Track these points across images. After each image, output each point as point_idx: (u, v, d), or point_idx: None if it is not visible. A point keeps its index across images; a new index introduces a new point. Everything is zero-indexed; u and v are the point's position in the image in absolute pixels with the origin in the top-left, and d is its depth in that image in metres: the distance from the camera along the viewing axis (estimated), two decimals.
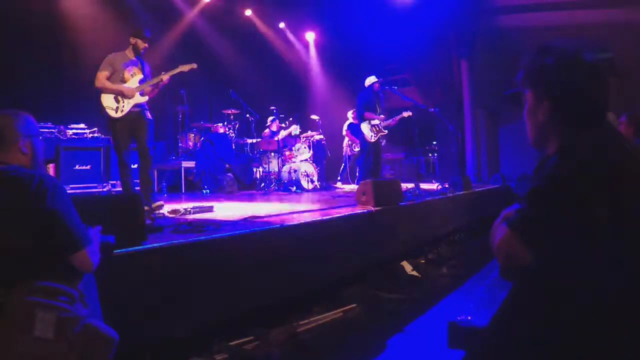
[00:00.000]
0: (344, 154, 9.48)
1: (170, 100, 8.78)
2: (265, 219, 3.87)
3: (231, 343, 2.58)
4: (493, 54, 9.63)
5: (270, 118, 8.55)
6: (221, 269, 2.81)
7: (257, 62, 10.88)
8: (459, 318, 1.73)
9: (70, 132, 6.76)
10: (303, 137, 8.64)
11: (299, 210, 4.79)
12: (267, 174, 7.81)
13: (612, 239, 1.09)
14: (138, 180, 4.59)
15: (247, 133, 9.04)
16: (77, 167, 6.40)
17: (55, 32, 6.98)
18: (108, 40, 5.39)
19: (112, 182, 6.66)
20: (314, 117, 9.18)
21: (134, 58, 4.66)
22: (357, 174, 8.96)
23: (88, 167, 6.50)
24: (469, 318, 1.71)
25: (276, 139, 8.11)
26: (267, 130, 8.49)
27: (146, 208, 3.77)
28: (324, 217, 3.85)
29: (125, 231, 2.35)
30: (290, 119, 8.86)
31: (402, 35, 10.91)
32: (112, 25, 7.28)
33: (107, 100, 4.48)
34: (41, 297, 1.51)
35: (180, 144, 8.49)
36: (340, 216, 3.97)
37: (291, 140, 8.65)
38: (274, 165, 7.90)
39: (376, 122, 7.26)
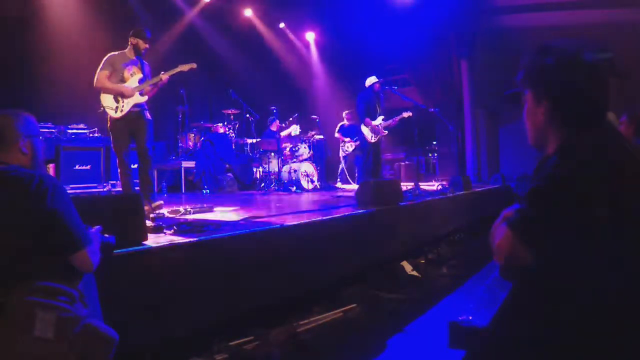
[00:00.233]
0: (340, 154, 9.51)
1: (170, 100, 8.78)
2: (265, 219, 3.87)
3: (231, 343, 2.58)
4: (493, 54, 9.63)
5: (270, 118, 8.55)
6: (221, 269, 2.81)
7: (257, 62, 10.89)
8: (459, 318, 1.73)
9: (70, 132, 6.76)
10: (303, 137, 8.65)
11: (299, 210, 4.79)
12: (267, 174, 7.82)
13: (612, 239, 1.09)
14: (138, 180, 4.59)
15: (247, 133, 9.04)
16: (77, 167, 6.40)
17: (55, 32, 6.98)
18: (108, 40, 5.39)
19: (112, 182, 6.66)
20: (314, 117, 9.18)
21: (134, 58, 4.66)
22: (357, 174, 8.98)
23: (88, 167, 6.50)
24: (469, 318, 1.71)
25: (284, 145, 8.10)
26: (266, 130, 8.49)
27: (146, 208, 3.77)
28: (324, 217, 3.85)
29: (125, 231, 2.35)
30: (290, 119, 8.86)
31: (402, 35, 10.91)
32: (112, 25, 7.27)
33: (107, 100, 4.48)
34: (41, 297, 1.51)
35: (180, 144, 8.49)
36: (340, 216, 3.97)
37: (291, 140, 8.65)
38: (274, 165, 7.91)
39: (377, 122, 7.26)
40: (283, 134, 8.52)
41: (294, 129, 8.64)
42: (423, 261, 4.60)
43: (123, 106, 4.47)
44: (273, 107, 8.62)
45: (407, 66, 11.88)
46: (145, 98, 4.60)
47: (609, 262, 1.10)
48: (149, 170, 4.49)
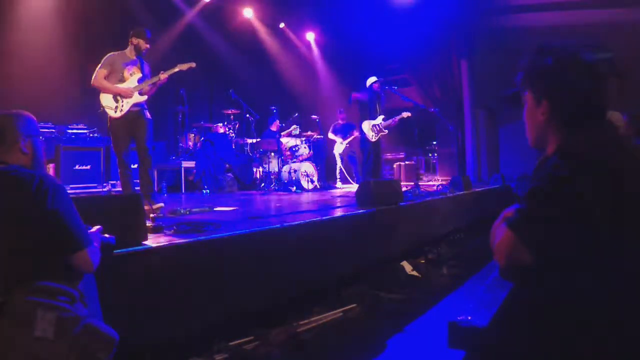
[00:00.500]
0: (335, 153, 9.53)
1: (170, 100, 8.78)
2: (265, 219, 3.87)
3: (231, 343, 2.58)
4: (493, 54, 9.62)
5: (270, 118, 8.55)
6: (221, 269, 2.81)
7: (257, 62, 10.89)
8: (459, 318, 1.72)
9: (70, 132, 6.76)
10: (303, 137, 8.66)
11: (299, 210, 4.79)
12: (267, 174, 7.82)
13: (612, 239, 1.09)
14: (138, 180, 4.59)
15: (247, 133, 9.04)
16: (77, 167, 6.41)
17: (55, 32, 6.98)
18: (108, 40, 5.39)
19: (112, 182, 6.67)
20: (314, 117, 9.19)
21: (134, 58, 4.66)
22: (354, 173, 9.00)
23: (88, 167, 6.50)
24: (469, 318, 1.71)
25: (284, 145, 8.09)
26: (266, 130, 8.49)
27: (146, 208, 3.77)
28: (324, 217, 3.85)
29: (125, 231, 2.35)
30: (290, 119, 8.87)
31: (402, 35, 10.91)
32: (112, 25, 7.27)
33: (106, 100, 4.48)
34: (42, 297, 1.51)
35: (180, 144, 8.50)
36: (340, 216, 3.98)
37: (291, 140, 8.65)
38: (274, 165, 7.91)
39: (378, 121, 7.26)
40: (283, 134, 8.51)
41: (294, 129, 8.64)
42: (423, 261, 4.59)
43: (123, 106, 4.47)
44: (273, 107, 8.63)
45: (407, 66, 11.88)
46: (145, 97, 4.60)
47: (609, 262, 1.10)
48: (149, 170, 4.49)
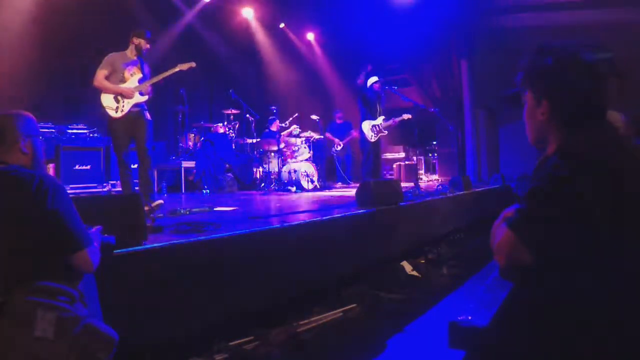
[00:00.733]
0: (332, 153, 9.55)
1: (170, 100, 8.78)
2: (265, 219, 3.87)
3: (231, 343, 2.58)
4: (493, 54, 9.63)
5: (270, 118, 8.55)
6: (221, 269, 2.81)
7: (258, 62, 10.90)
8: (459, 318, 1.72)
9: (70, 132, 6.76)
10: (303, 137, 8.66)
11: (299, 210, 4.79)
12: (267, 174, 7.81)
13: (612, 239, 1.09)
14: (138, 180, 4.60)
15: (247, 133, 9.04)
16: (77, 167, 6.40)
17: (55, 32, 6.97)
18: (108, 40, 5.39)
19: (112, 182, 6.67)
20: (313, 117, 9.19)
21: (134, 58, 4.67)
22: (347, 174, 9.03)
23: (88, 167, 6.50)
24: (469, 318, 1.71)
25: (282, 146, 8.09)
26: (266, 130, 8.49)
27: (146, 208, 3.77)
28: (324, 217, 3.85)
29: (125, 231, 2.35)
30: (290, 119, 8.87)
31: (402, 35, 10.90)
32: (112, 25, 7.27)
33: (107, 100, 4.49)
34: (41, 297, 1.51)
35: (180, 144, 8.49)
36: (340, 216, 3.97)
37: (291, 140, 8.65)
38: (274, 165, 7.90)
39: (378, 122, 7.26)
40: (283, 134, 8.51)
41: (294, 129, 8.64)
42: (423, 261, 4.59)
43: (123, 106, 4.48)
44: (273, 107, 8.63)
45: (407, 66, 11.88)
46: (146, 98, 4.61)
47: (609, 262, 1.10)
48: (148, 170, 4.50)
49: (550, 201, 1.13)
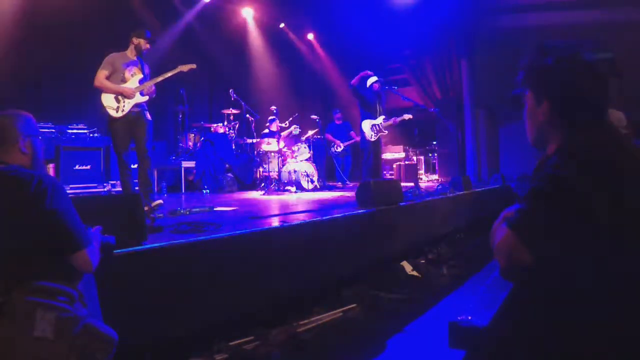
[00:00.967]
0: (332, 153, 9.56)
1: (170, 100, 8.78)
2: (265, 219, 3.87)
3: (231, 343, 2.58)
4: (493, 54, 9.63)
5: (270, 118, 8.56)
6: (221, 269, 2.81)
7: (258, 62, 10.89)
8: (459, 318, 1.73)
9: (70, 132, 6.76)
10: (303, 137, 8.67)
11: (299, 210, 4.79)
12: (267, 174, 7.81)
13: (612, 239, 1.09)
14: (137, 180, 4.60)
15: (247, 133, 9.04)
16: (77, 167, 6.40)
17: (55, 32, 6.98)
18: (108, 40, 5.39)
19: (112, 182, 6.67)
20: (314, 117, 9.19)
21: (134, 58, 4.67)
22: (345, 175, 9.03)
23: (88, 167, 6.50)
24: (469, 318, 1.71)
25: (281, 146, 8.10)
26: (266, 130, 8.49)
27: (146, 208, 3.77)
28: (324, 217, 3.85)
29: (125, 231, 2.35)
30: (290, 119, 8.88)
31: (402, 36, 10.91)
32: (112, 25, 7.27)
33: (108, 100, 4.49)
34: (41, 297, 1.51)
35: (180, 144, 8.49)
36: (340, 216, 3.97)
37: (291, 140, 8.65)
38: (274, 165, 7.90)
39: (378, 121, 7.27)
40: (283, 134, 8.51)
41: (294, 129, 8.64)
42: (423, 261, 4.59)
43: (124, 106, 4.48)
44: (273, 107, 8.63)
45: (407, 66, 11.89)
46: (146, 98, 4.61)
47: (609, 263, 1.10)
48: (148, 171, 4.50)
49: (550, 201, 1.13)
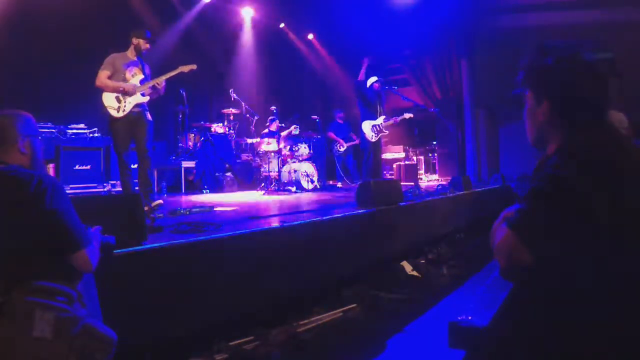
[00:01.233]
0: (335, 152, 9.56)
1: (170, 100, 8.77)
2: (265, 219, 3.87)
3: (231, 343, 2.58)
4: (493, 54, 9.62)
5: (270, 118, 8.56)
6: (221, 269, 2.81)
7: (258, 62, 10.89)
8: (459, 318, 1.73)
9: (70, 132, 6.76)
10: (303, 137, 8.67)
11: (299, 210, 4.79)
12: (267, 174, 7.81)
13: (612, 239, 1.09)
14: (137, 180, 4.60)
15: (247, 133, 9.03)
16: (77, 167, 6.40)
17: (55, 32, 6.97)
18: (108, 40, 5.39)
19: (112, 182, 6.66)
20: (314, 117, 9.19)
21: (134, 59, 4.67)
22: (352, 174, 9.02)
23: (88, 167, 6.49)
24: (469, 318, 1.71)
25: (281, 146, 8.10)
26: (266, 130, 8.50)
27: (146, 208, 3.77)
28: (324, 217, 3.85)
29: (125, 231, 2.35)
30: (290, 119, 8.88)
31: (402, 35, 10.91)
32: (112, 25, 7.26)
33: (109, 100, 4.49)
34: (40, 298, 1.51)
35: (180, 144, 8.49)
36: (340, 216, 3.97)
37: (291, 140, 8.65)
38: (274, 165, 7.90)
39: (379, 121, 7.27)
40: (283, 134, 8.52)
41: (294, 129, 8.64)
42: (423, 261, 4.59)
43: (125, 106, 4.48)
44: (273, 107, 8.63)
45: (407, 66, 11.89)
46: (147, 99, 4.62)
47: (609, 263, 1.10)
48: (147, 171, 4.50)
49: (550, 201, 1.13)
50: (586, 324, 1.10)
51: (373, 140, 7.28)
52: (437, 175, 11.38)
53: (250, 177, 8.48)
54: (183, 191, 7.62)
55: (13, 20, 6.65)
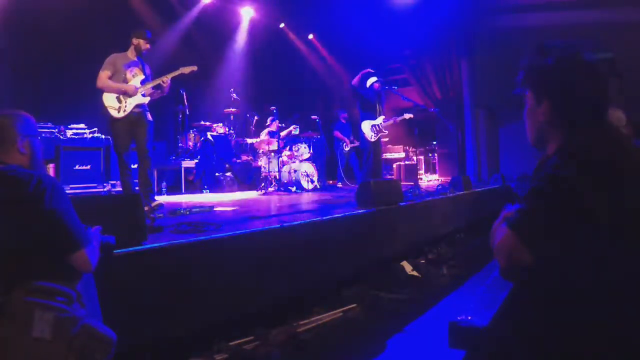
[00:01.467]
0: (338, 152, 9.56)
1: (170, 100, 8.77)
2: (265, 219, 3.87)
3: (231, 343, 2.58)
4: (493, 54, 9.63)
5: (270, 118, 8.55)
6: (221, 269, 2.81)
7: (258, 62, 10.89)
8: (459, 318, 1.72)
9: (70, 132, 6.76)
10: (303, 137, 8.67)
11: (299, 210, 4.79)
12: (267, 174, 7.81)
13: (612, 239, 1.09)
14: (137, 180, 4.60)
15: (247, 133, 9.03)
16: (77, 167, 6.40)
17: (55, 32, 6.97)
18: (108, 40, 5.39)
19: (112, 182, 6.66)
20: (314, 117, 9.19)
21: (135, 59, 4.68)
22: (355, 175, 9.02)
23: (88, 167, 6.49)
24: (469, 318, 1.71)
25: (284, 145, 8.10)
26: (266, 130, 8.49)
27: (146, 208, 3.78)
28: (324, 217, 3.85)
29: (125, 231, 2.35)
30: (290, 119, 8.88)
31: (402, 35, 10.91)
32: (112, 25, 7.26)
33: (109, 100, 4.49)
34: (39, 298, 1.51)
35: (180, 144, 8.49)
36: (340, 216, 3.97)
37: (291, 140, 8.65)
38: (274, 165, 7.90)
39: (378, 121, 7.27)
40: (283, 134, 8.52)
41: (294, 129, 8.64)
42: (423, 261, 4.59)
43: (126, 106, 4.48)
44: (273, 107, 8.63)
45: (407, 66, 11.89)
46: (148, 99, 4.62)
47: (609, 263, 1.10)
48: (148, 171, 4.50)
49: (550, 201, 1.13)
50: (586, 324, 1.10)
51: (372, 140, 7.28)
52: (437, 175, 11.39)
53: (250, 177, 8.48)
54: (183, 191, 7.62)
55: (13, 20, 6.65)
